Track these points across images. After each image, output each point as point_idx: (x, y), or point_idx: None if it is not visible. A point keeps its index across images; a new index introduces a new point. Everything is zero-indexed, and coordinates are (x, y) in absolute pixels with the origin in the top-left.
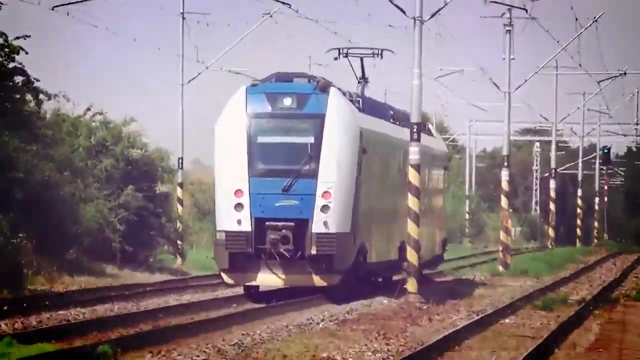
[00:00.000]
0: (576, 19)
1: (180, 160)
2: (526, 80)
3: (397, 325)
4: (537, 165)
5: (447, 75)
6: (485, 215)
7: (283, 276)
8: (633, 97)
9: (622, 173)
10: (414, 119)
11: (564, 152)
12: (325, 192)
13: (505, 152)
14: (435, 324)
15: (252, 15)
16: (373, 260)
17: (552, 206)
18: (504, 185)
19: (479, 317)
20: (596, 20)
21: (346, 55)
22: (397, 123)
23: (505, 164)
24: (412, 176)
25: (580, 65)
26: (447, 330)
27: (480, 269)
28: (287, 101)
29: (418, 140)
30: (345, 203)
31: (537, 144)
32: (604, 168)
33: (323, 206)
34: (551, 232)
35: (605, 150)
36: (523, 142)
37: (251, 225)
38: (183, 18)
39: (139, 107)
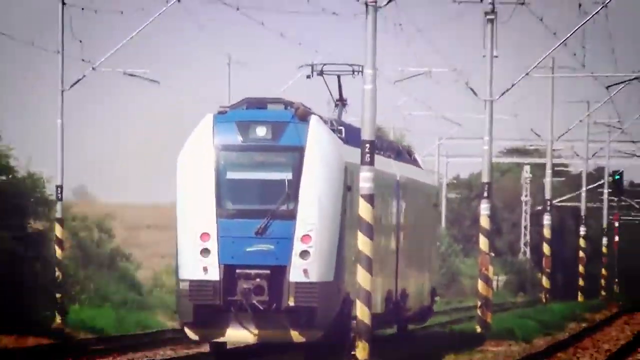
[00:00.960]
0: (579, 5)
1: (59, 189)
2: (513, 85)
3: None
4: (527, 195)
5: (410, 78)
6: (459, 261)
7: (256, 331)
8: None
9: (639, 206)
10: (366, 134)
11: (562, 179)
12: (305, 235)
13: (485, 179)
14: None
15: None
16: (356, 314)
17: (546, 249)
18: (484, 221)
19: None
20: (605, 6)
21: (320, 73)
22: (382, 153)
23: (486, 194)
24: (364, 210)
25: (584, 65)
26: None
27: (453, 329)
28: (261, 131)
29: (371, 163)
30: (328, 248)
31: (527, 167)
32: (615, 199)
33: (302, 251)
34: (545, 282)
35: (617, 176)
36: (509, 166)
37: (219, 273)
38: (63, 3)
39: (5, 119)
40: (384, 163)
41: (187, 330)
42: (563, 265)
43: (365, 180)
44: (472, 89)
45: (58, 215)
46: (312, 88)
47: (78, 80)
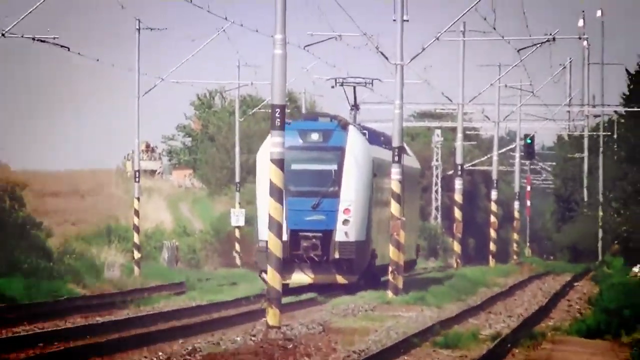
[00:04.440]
0: None
1: None
2: (424, 49)
3: None
4: (437, 159)
5: (320, 43)
6: None
7: (312, 276)
8: (564, 70)
9: (550, 169)
10: (277, 99)
11: (474, 143)
12: (346, 208)
13: (396, 143)
14: None
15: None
16: (379, 263)
17: (457, 213)
18: (395, 186)
19: (361, 359)
20: None
21: (342, 84)
22: (384, 147)
23: (396, 158)
24: (274, 175)
25: (494, 28)
26: None
27: (362, 295)
28: (315, 136)
29: (280, 128)
30: (361, 217)
31: (438, 131)
32: (527, 163)
33: (344, 220)
34: (457, 247)
35: (528, 140)
36: (420, 130)
37: (287, 235)
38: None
39: None
40: (389, 155)
41: (263, 275)
42: (475, 230)
43: (275, 145)
44: (382, 53)
45: None
46: None
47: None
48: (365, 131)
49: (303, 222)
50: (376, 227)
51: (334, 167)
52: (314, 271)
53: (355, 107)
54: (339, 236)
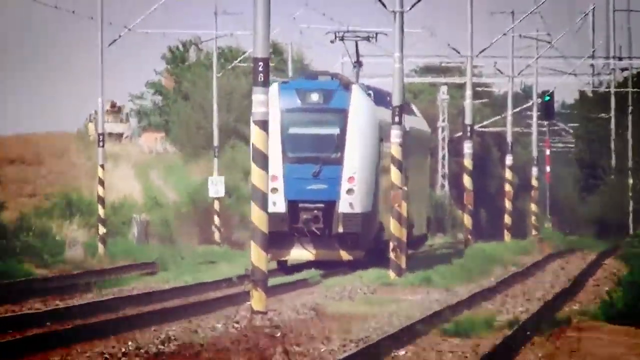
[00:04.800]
0: None
1: None
2: None
3: None
4: (444, 120)
5: None
6: None
7: (314, 251)
8: (586, 18)
9: (572, 131)
10: (260, 51)
11: (485, 101)
12: (350, 177)
13: (396, 102)
14: None
15: None
16: (388, 237)
17: (467, 181)
18: (395, 151)
19: (359, 348)
20: None
21: (342, 39)
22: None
23: (397, 119)
24: (258, 138)
25: None
26: None
27: (362, 275)
28: (315, 97)
29: (264, 85)
30: (367, 186)
31: (444, 88)
32: (545, 123)
33: (348, 189)
34: (467, 220)
35: (547, 97)
36: (423, 86)
37: (285, 206)
38: None
39: None
40: (406, 119)
41: None
42: (488, 201)
43: (258, 104)
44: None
45: None
46: None
47: None
48: (370, 91)
49: (303, 191)
50: (384, 197)
51: (337, 131)
52: (316, 246)
53: (358, 63)
54: (343, 207)
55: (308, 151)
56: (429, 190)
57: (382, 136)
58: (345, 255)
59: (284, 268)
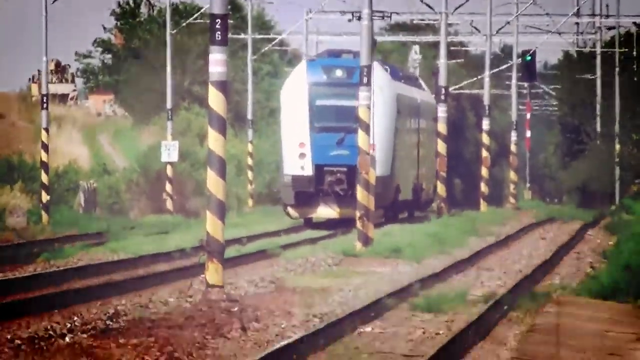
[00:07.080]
0: None
1: None
2: None
3: (190, 338)
4: None
5: None
6: None
7: (337, 210)
8: None
9: (555, 93)
10: (217, 8)
11: (460, 61)
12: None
13: (364, 62)
14: (252, 336)
15: None
16: (402, 198)
17: (441, 147)
18: (362, 113)
19: (323, 325)
20: None
21: (359, 18)
22: (404, 82)
23: (365, 80)
24: (214, 100)
25: None
26: (270, 346)
27: (325, 245)
28: (339, 72)
29: (221, 43)
30: (386, 153)
31: (417, 47)
32: (526, 85)
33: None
34: (440, 189)
35: (528, 57)
36: (394, 45)
37: (312, 170)
38: None
39: None
40: (412, 91)
41: (289, 209)
42: (462, 167)
43: (215, 64)
44: None
45: None
46: None
47: None
48: (387, 67)
49: (327, 157)
50: (400, 163)
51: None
52: (339, 205)
53: (373, 42)
54: None
55: (333, 121)
56: (434, 159)
57: (400, 108)
58: None
59: (310, 224)
